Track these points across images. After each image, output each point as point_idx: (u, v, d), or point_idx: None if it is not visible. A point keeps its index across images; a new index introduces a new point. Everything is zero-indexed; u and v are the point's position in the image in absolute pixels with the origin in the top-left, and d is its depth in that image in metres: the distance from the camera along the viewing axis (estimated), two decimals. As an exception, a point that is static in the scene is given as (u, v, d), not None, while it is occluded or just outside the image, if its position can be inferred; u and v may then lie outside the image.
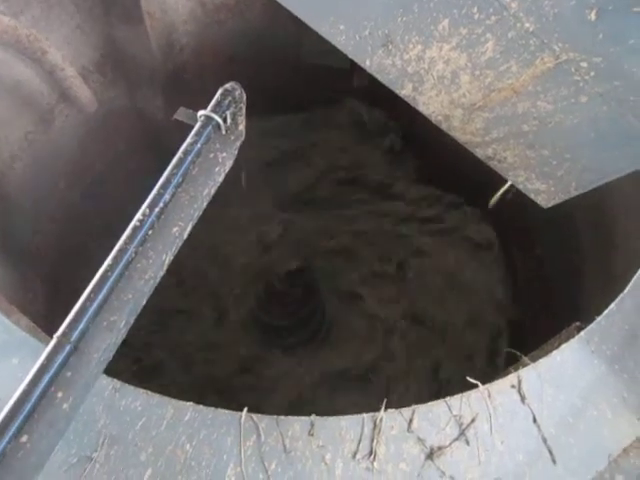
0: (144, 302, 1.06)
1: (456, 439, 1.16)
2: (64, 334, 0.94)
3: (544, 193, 1.32)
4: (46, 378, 0.91)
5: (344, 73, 2.86)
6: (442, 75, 1.15)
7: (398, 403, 1.20)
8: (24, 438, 0.89)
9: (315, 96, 3.09)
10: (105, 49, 2.33)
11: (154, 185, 1.11)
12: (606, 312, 1.34)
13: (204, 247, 2.81)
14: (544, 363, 1.26)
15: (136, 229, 1.03)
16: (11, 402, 0.89)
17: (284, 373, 2.66)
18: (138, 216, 1.05)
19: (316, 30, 1.16)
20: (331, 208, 3.15)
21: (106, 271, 1.00)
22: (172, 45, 2.51)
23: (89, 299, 0.97)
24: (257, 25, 2.85)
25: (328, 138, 3.29)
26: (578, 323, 1.41)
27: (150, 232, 1.05)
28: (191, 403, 1.15)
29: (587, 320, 1.37)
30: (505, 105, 1.17)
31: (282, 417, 1.15)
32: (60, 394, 0.93)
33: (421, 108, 1.23)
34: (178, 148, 1.16)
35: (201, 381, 2.60)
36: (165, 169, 1.13)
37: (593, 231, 2.14)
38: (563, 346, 1.29)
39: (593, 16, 0.97)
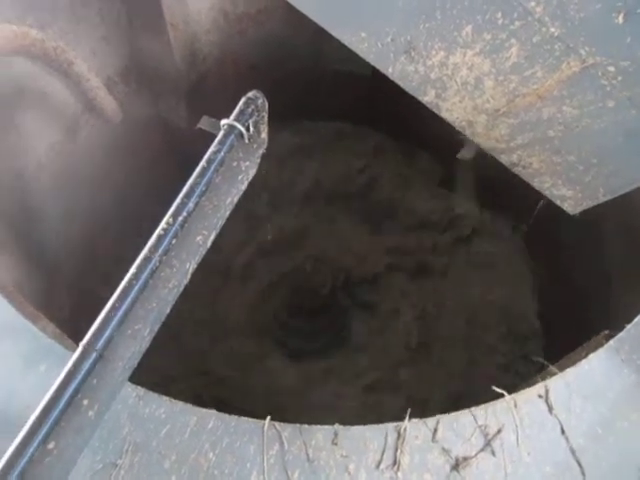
0: (168, 310, 1.07)
1: (482, 450, 1.14)
2: (90, 342, 0.95)
3: (571, 199, 1.30)
4: (73, 386, 0.92)
5: (366, 80, 2.86)
6: (466, 81, 1.14)
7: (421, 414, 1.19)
8: (51, 445, 0.90)
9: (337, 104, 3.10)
10: (129, 60, 2.37)
11: (177, 195, 1.12)
12: (636, 320, 1.31)
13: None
14: (572, 372, 1.23)
15: (160, 238, 1.04)
16: (39, 409, 0.91)
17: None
18: (162, 225, 1.06)
19: (338, 38, 1.16)
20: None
21: (131, 280, 1.01)
22: (195, 55, 2.54)
23: (114, 308, 0.98)
24: (278, 33, 2.87)
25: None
26: (607, 331, 1.38)
27: (174, 241, 1.06)
28: (214, 411, 1.15)
29: (616, 328, 1.34)
30: (530, 110, 1.15)
31: (305, 426, 1.14)
32: (86, 402, 0.94)
33: (444, 114, 1.23)
34: (201, 156, 1.17)
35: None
36: (188, 177, 1.14)
37: (622, 235, 2.10)
38: (592, 355, 1.26)
39: (620, 19, 0.95)
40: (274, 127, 1.35)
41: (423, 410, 1.21)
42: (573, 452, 1.14)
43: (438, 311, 2.84)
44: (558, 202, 1.33)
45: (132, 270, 1.02)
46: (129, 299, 1.00)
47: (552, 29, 1.01)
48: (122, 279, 1.03)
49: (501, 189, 2.65)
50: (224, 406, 1.21)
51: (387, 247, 3.04)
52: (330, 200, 3.20)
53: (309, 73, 3.06)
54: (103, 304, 1.01)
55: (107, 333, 0.96)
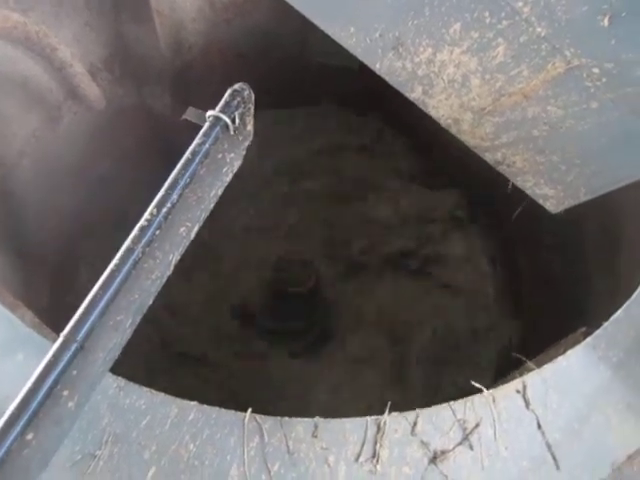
0: (150, 302, 1.06)
1: (460, 444, 1.15)
2: (71, 333, 0.94)
3: (553, 198, 1.32)
4: (52, 376, 0.91)
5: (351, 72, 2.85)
6: (452, 79, 1.15)
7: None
8: (30, 436, 0.90)
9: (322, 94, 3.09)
10: (114, 47, 2.33)
11: (161, 184, 1.11)
12: (613, 318, 1.34)
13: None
14: (549, 368, 1.25)
15: (143, 229, 1.03)
16: (17, 400, 0.90)
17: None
18: (145, 216, 1.05)
19: (326, 32, 1.15)
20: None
21: (113, 271, 1.00)
22: (180, 43, 2.52)
23: (96, 298, 0.98)
24: (264, 23, 2.85)
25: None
26: (584, 328, 1.41)
27: (157, 232, 1.05)
28: (195, 403, 1.15)
29: (593, 325, 1.36)
30: (515, 110, 1.16)
31: (286, 418, 1.15)
32: (66, 392, 0.93)
33: (430, 111, 1.23)
34: (186, 145, 1.16)
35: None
36: (172, 165, 1.13)
37: (599, 234, 2.13)
38: (569, 352, 1.28)
39: (606, 22, 0.96)
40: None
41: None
42: (549, 447, 1.16)
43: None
44: (540, 201, 1.35)
45: (114, 261, 1.02)
46: (111, 290, 0.99)
47: (539, 29, 1.02)
48: (104, 269, 1.02)
49: (484, 187, 2.69)
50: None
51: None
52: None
53: (295, 63, 3.05)
54: (83, 294, 1.00)
55: (88, 324, 0.96)
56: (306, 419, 1.15)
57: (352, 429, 1.15)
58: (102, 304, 0.98)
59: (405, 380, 2.64)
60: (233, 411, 1.15)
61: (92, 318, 0.97)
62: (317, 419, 1.15)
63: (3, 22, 1.62)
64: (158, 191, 1.10)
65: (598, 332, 1.32)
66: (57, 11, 2.02)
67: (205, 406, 1.15)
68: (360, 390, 2.59)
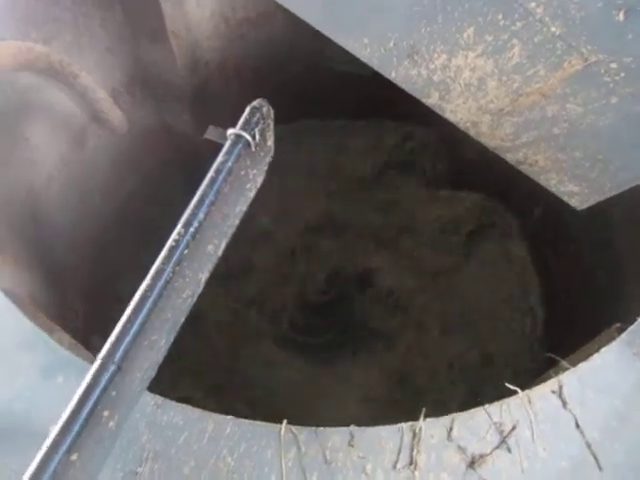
0: (183, 320, 1.08)
1: (497, 447, 1.15)
2: (108, 355, 0.97)
3: (578, 195, 1.30)
4: (93, 398, 0.94)
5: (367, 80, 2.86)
6: (469, 82, 1.15)
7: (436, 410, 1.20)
8: (74, 456, 0.92)
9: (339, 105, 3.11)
10: (133, 70, 2.39)
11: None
12: (647, 313, 1.32)
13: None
14: (585, 367, 1.24)
15: (172, 249, 1.06)
16: (60, 422, 0.92)
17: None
18: (174, 236, 1.07)
19: (340, 44, 1.17)
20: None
21: (145, 291, 1.02)
22: (197, 61, 2.56)
23: (130, 320, 1.00)
24: (278, 37, 2.88)
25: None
26: (618, 324, 1.38)
27: (186, 251, 1.07)
28: (231, 417, 1.17)
29: (627, 321, 1.34)
30: (534, 109, 1.16)
31: (321, 428, 1.16)
32: (106, 413, 0.95)
33: (448, 116, 1.23)
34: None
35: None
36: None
37: (631, 227, 2.09)
38: (604, 349, 1.27)
39: (621, 17, 0.96)
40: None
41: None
42: (589, 446, 1.15)
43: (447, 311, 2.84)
44: (565, 198, 1.34)
45: (146, 282, 1.04)
46: (144, 311, 1.01)
47: (553, 28, 1.02)
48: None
49: (507, 182, 2.66)
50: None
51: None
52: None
53: (311, 75, 3.08)
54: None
55: (124, 345, 0.98)
56: (342, 428, 1.16)
57: (388, 436, 1.15)
58: (136, 325, 1.00)
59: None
60: (269, 423, 1.16)
61: (127, 339, 0.99)
62: (352, 428, 1.15)
63: (27, 54, 1.68)
64: (183, 207, 1.12)
65: (632, 328, 1.31)
66: (78, 39, 2.08)
67: (241, 419, 1.17)
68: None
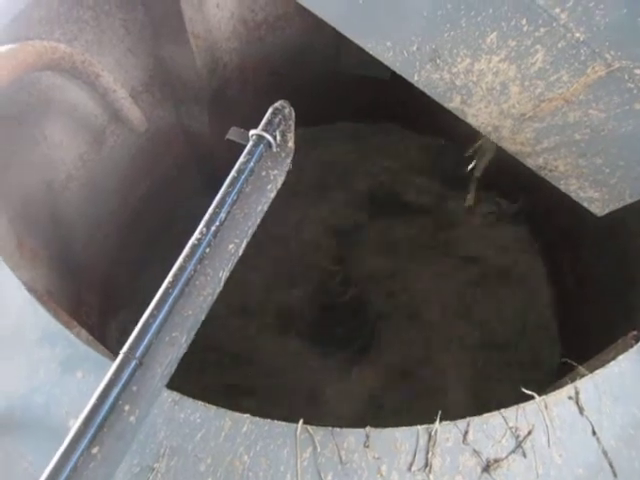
0: (203, 317, 1.09)
1: (513, 451, 1.14)
2: (130, 350, 0.98)
3: (597, 201, 1.30)
4: (114, 393, 0.95)
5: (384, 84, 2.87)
6: (491, 87, 1.15)
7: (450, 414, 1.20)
8: (95, 450, 0.94)
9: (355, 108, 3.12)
10: (154, 70, 2.41)
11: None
12: (664, 321, 1.31)
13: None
14: (601, 374, 1.24)
15: (194, 247, 1.07)
16: (82, 416, 0.94)
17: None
18: (196, 235, 1.09)
19: (363, 47, 1.17)
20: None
21: (167, 288, 1.04)
22: (216, 62, 2.58)
23: (152, 316, 1.01)
24: (296, 39, 2.90)
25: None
26: (635, 332, 1.38)
27: (207, 250, 1.08)
28: (248, 415, 1.18)
29: (644, 329, 1.34)
30: (556, 115, 1.16)
31: (337, 429, 1.16)
32: (127, 407, 0.97)
33: (470, 120, 1.24)
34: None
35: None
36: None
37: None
38: (620, 356, 1.26)
39: (646, 24, 0.96)
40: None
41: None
42: (605, 454, 1.14)
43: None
44: (585, 204, 1.33)
45: (168, 279, 1.05)
46: (166, 307, 1.02)
47: (577, 34, 1.02)
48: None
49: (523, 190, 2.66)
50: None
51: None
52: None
53: (328, 77, 3.09)
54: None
55: (146, 341, 0.99)
56: (358, 429, 1.16)
57: (403, 438, 1.15)
58: (158, 321, 1.01)
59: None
60: (285, 423, 1.17)
61: (149, 335, 1.00)
62: (368, 429, 1.15)
63: (52, 54, 1.70)
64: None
65: (650, 335, 1.30)
66: (100, 39, 2.10)
67: (258, 418, 1.17)
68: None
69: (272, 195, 1.23)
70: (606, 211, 1.33)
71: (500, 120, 1.21)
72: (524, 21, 1.03)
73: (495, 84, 1.15)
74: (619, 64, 1.03)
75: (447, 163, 3.27)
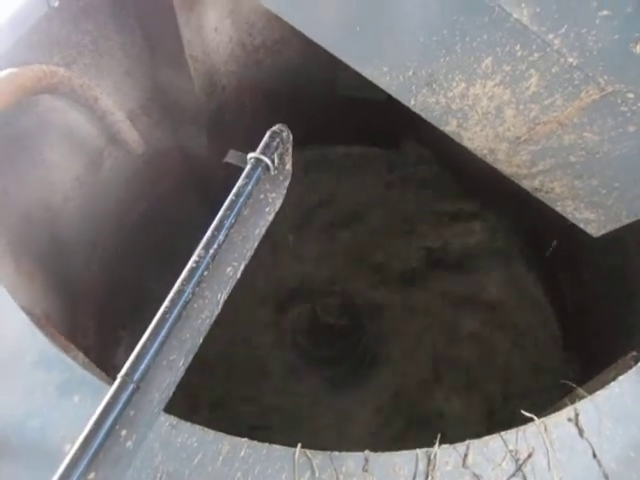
0: (201, 340, 1.09)
1: (513, 475, 1.13)
2: (127, 374, 0.98)
3: (594, 222, 1.31)
4: (111, 417, 0.94)
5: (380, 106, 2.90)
6: (486, 111, 1.17)
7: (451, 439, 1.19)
8: (91, 475, 0.93)
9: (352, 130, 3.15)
10: (151, 92, 2.43)
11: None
12: (664, 342, 1.31)
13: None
14: (602, 395, 1.23)
15: (192, 270, 1.07)
16: (79, 441, 0.93)
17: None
18: (194, 258, 1.09)
19: (360, 72, 1.19)
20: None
21: (165, 312, 1.03)
22: (214, 85, 2.60)
23: (149, 339, 1.01)
24: (294, 62, 2.93)
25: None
26: (635, 353, 1.38)
27: (205, 273, 1.08)
28: (246, 439, 1.17)
29: (643, 349, 1.34)
30: (551, 137, 1.17)
31: (336, 453, 1.15)
32: (124, 432, 0.96)
33: (466, 143, 1.25)
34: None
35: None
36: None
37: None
38: (620, 377, 1.26)
39: (638, 49, 0.97)
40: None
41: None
42: (606, 477, 1.13)
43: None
44: (581, 225, 1.35)
45: (166, 302, 1.05)
46: (164, 331, 1.02)
47: (570, 59, 1.04)
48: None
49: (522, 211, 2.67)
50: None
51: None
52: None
53: (324, 100, 3.12)
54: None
55: (143, 365, 0.99)
56: (356, 453, 1.15)
57: (402, 462, 1.14)
58: (156, 345, 1.01)
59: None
60: (283, 447, 1.16)
61: (147, 359, 1.00)
62: (367, 453, 1.14)
63: (51, 78, 1.72)
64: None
65: (649, 356, 1.30)
66: (98, 62, 2.12)
67: (255, 442, 1.16)
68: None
69: (270, 218, 1.23)
70: (602, 232, 1.34)
71: (496, 143, 1.23)
72: (518, 47, 1.05)
73: (490, 108, 1.17)
74: (612, 88, 1.05)
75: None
